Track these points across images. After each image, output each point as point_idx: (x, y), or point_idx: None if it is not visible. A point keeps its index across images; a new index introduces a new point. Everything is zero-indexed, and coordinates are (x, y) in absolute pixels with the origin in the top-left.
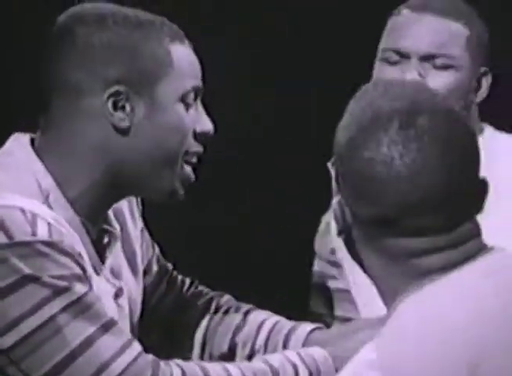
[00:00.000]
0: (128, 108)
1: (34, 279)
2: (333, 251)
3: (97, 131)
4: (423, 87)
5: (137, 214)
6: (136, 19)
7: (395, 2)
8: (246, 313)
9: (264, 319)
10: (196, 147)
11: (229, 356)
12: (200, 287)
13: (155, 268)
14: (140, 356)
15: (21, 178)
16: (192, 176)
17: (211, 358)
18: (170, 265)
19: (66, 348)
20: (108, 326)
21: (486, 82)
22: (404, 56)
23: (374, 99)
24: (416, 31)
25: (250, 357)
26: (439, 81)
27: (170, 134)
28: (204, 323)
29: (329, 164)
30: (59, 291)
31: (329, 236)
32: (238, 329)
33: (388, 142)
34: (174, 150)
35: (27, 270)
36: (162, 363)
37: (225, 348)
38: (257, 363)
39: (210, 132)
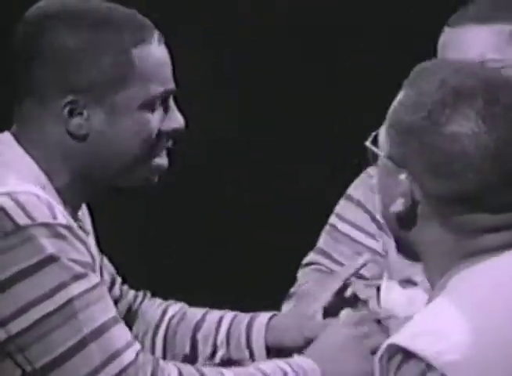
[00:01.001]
0: (85, 115)
1: (54, 259)
2: None
3: (58, 136)
4: (484, 66)
5: (87, 218)
6: (102, 19)
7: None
8: (204, 313)
9: (222, 316)
10: (164, 145)
11: (192, 354)
12: (154, 298)
13: (105, 275)
14: (142, 351)
15: (23, 172)
16: (165, 165)
17: (174, 360)
18: (119, 277)
19: (80, 333)
20: (117, 318)
21: None
22: None
23: (447, 76)
24: (459, 45)
25: (212, 354)
26: None
27: (131, 140)
28: (163, 326)
29: (368, 144)
30: (76, 276)
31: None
32: (197, 327)
33: (476, 117)
34: (137, 154)
35: (50, 249)
36: (161, 361)
37: (187, 347)
38: (250, 368)
39: (180, 128)
